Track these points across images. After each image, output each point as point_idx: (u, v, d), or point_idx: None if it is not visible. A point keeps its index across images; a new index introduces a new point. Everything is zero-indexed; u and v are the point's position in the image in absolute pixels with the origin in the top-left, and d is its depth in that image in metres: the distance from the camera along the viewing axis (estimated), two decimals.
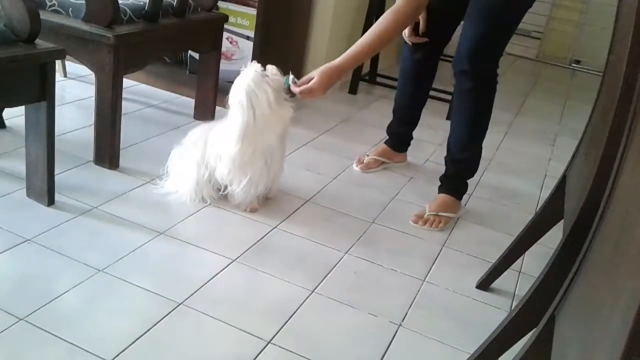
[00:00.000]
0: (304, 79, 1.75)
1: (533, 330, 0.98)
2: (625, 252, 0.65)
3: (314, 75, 1.73)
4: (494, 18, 1.81)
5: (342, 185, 2.13)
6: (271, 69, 1.74)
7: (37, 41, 1.51)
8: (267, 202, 1.91)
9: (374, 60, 3.47)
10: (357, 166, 2.26)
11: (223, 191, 1.81)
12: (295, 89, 1.73)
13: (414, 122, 2.30)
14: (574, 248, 1.01)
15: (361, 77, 3.30)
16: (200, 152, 1.80)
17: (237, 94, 1.70)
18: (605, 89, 1.35)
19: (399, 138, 2.32)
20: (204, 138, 1.80)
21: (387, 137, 2.34)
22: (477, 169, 2.04)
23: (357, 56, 1.77)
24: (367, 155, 2.30)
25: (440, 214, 1.93)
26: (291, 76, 1.73)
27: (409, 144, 2.36)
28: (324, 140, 2.51)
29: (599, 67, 4.43)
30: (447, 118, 2.97)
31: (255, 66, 1.72)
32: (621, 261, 0.65)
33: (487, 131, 1.99)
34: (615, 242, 0.70)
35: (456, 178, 2.02)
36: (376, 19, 3.17)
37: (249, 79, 1.69)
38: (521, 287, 1.67)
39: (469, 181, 2.05)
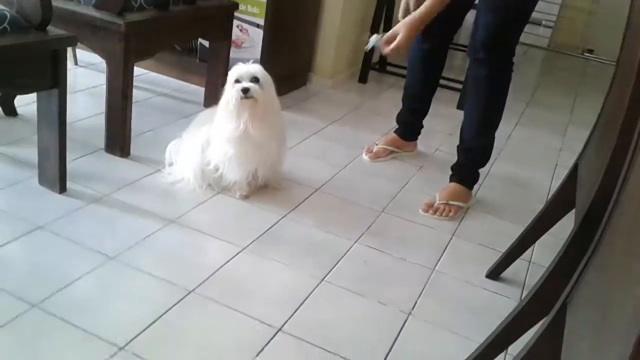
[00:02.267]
0: (389, 35, 1.79)
1: (544, 319, 0.98)
2: (638, 242, 0.65)
3: (399, 30, 1.77)
4: (510, 5, 1.79)
5: (352, 174, 2.13)
6: (237, 87, 1.70)
7: (49, 28, 1.52)
8: (276, 191, 1.91)
9: None
10: (366, 155, 2.25)
11: (214, 168, 1.82)
12: (386, 50, 1.79)
13: (424, 111, 2.28)
14: (585, 237, 1.00)
15: (371, 66, 3.28)
16: (204, 135, 1.81)
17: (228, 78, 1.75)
18: (618, 79, 1.34)
19: (409, 127, 2.30)
20: (208, 122, 1.82)
21: (397, 126, 2.33)
22: (489, 157, 2.02)
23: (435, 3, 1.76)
24: (377, 145, 2.29)
25: (450, 202, 1.92)
26: (379, 35, 1.80)
27: (419, 133, 2.34)
28: (333, 130, 2.51)
29: (611, 57, 4.38)
30: (458, 107, 2.96)
31: (242, 70, 1.72)
32: (635, 250, 0.64)
33: None
34: (629, 231, 0.70)
35: (468, 167, 2.01)
36: (387, 7, 3.20)
37: (229, 77, 1.73)
38: (531, 276, 1.67)
39: (479, 171, 2.04)
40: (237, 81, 1.71)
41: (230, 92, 1.71)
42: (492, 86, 1.88)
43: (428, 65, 2.17)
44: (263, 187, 1.89)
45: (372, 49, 1.93)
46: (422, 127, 2.33)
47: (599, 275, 0.78)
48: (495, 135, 2.00)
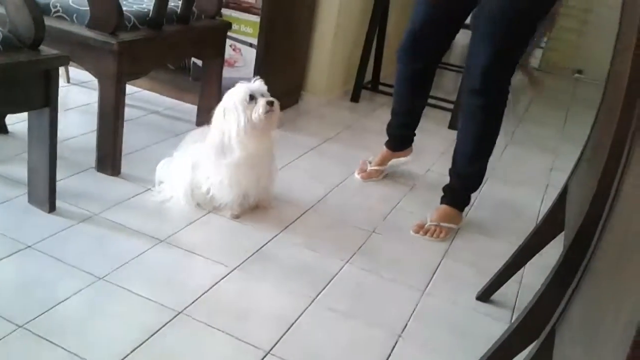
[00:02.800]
0: None
1: (533, 344, 0.98)
2: (625, 267, 0.65)
3: None
4: (508, 33, 1.72)
5: (343, 193, 2.13)
6: (262, 101, 1.70)
7: (42, 47, 1.52)
8: (267, 210, 1.91)
9: (376, 68, 3.48)
10: (358, 174, 2.24)
11: (205, 191, 1.81)
12: None
13: (414, 125, 2.26)
14: (574, 261, 1.01)
15: (363, 85, 3.30)
16: (194, 155, 1.81)
17: (221, 104, 1.74)
18: (607, 100, 1.35)
19: (399, 140, 2.28)
20: (199, 142, 1.82)
21: (387, 139, 2.29)
22: (481, 182, 2.01)
23: None
24: (370, 163, 2.27)
25: (441, 224, 1.92)
26: None
27: (412, 141, 2.32)
28: (325, 148, 2.51)
29: (601, 78, 4.43)
30: (450, 127, 2.98)
31: (255, 85, 1.72)
32: (622, 276, 0.65)
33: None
34: (617, 257, 0.70)
35: (460, 190, 2.00)
36: (380, 27, 3.23)
37: (233, 96, 1.72)
38: (522, 298, 1.67)
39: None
40: (252, 97, 1.70)
41: (253, 108, 1.69)
42: (488, 116, 1.87)
43: (416, 85, 2.13)
44: (254, 207, 1.89)
45: None
46: (415, 135, 2.30)
47: (586, 301, 0.78)
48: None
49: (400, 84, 2.16)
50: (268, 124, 1.72)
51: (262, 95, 1.71)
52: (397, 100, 2.21)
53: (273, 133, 1.79)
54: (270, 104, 1.69)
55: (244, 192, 1.81)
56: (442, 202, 2.02)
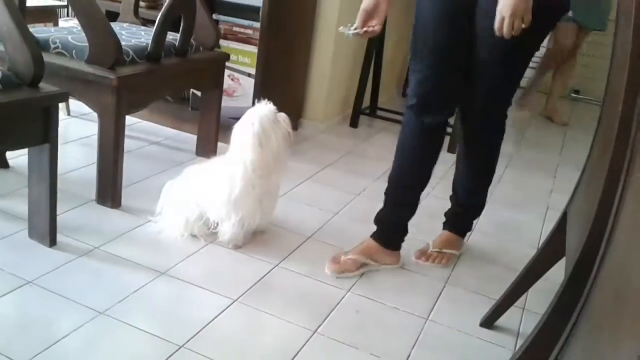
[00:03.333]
0: (360, 20, 1.59)
1: None
2: (625, 301, 0.65)
3: (371, 17, 1.59)
4: (506, 68, 1.64)
5: (344, 220, 2.13)
6: (283, 116, 1.75)
7: (41, 84, 1.54)
8: (268, 239, 1.91)
9: (374, 94, 3.50)
10: (329, 269, 1.76)
11: (214, 228, 1.82)
12: (364, 35, 1.62)
13: (412, 207, 1.82)
14: (576, 289, 1.00)
15: (362, 110, 3.32)
16: (194, 190, 1.81)
17: (247, 129, 1.70)
18: (604, 125, 1.36)
19: (392, 229, 1.82)
20: (199, 175, 1.83)
21: (374, 230, 1.85)
22: (482, 209, 1.99)
23: None
24: (345, 254, 1.80)
25: (444, 250, 1.91)
26: (351, 26, 1.61)
27: (402, 240, 1.85)
28: (325, 175, 2.52)
29: (598, 97, 4.45)
30: (449, 150, 2.98)
31: (270, 106, 1.74)
32: (621, 311, 0.64)
33: None
34: (615, 293, 0.70)
35: (461, 217, 1.98)
36: (377, 52, 3.26)
37: (263, 117, 1.70)
38: (525, 324, 1.65)
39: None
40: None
41: (279, 128, 1.73)
42: (487, 146, 1.84)
43: (426, 147, 1.75)
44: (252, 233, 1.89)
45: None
46: (407, 232, 1.85)
47: (588, 333, 0.78)
48: None
49: (407, 143, 1.76)
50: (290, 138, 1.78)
51: None
52: (397, 172, 1.80)
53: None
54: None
55: (256, 224, 1.83)
56: (444, 228, 2.00)
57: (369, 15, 1.59)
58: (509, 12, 1.41)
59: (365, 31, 1.60)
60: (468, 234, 2.05)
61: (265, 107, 1.73)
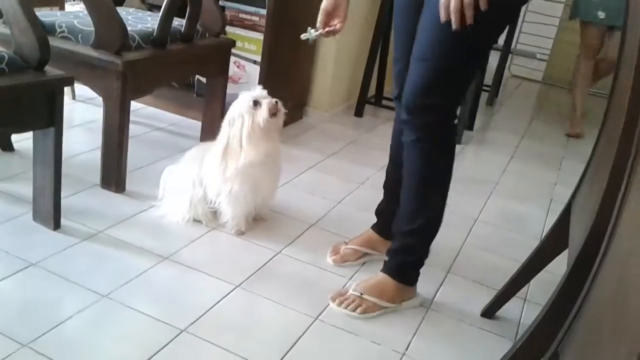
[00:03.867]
0: (321, 20, 1.56)
1: None
2: (627, 293, 0.65)
3: (332, 16, 1.56)
4: (439, 54, 1.36)
5: (348, 209, 2.13)
6: (265, 103, 1.73)
7: (47, 68, 1.54)
8: (271, 226, 1.91)
9: (380, 83, 3.49)
10: (330, 258, 1.77)
11: (212, 205, 1.83)
12: (326, 35, 1.58)
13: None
14: (578, 281, 1.01)
15: (367, 100, 3.31)
16: (196, 170, 1.83)
17: (227, 114, 1.77)
18: (610, 118, 1.35)
19: (390, 219, 1.68)
20: (200, 157, 1.84)
21: (375, 221, 1.83)
22: (428, 244, 1.58)
23: None
24: (345, 244, 1.81)
25: (365, 296, 1.55)
26: (312, 30, 1.58)
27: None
28: (329, 164, 2.52)
29: (605, 90, 4.43)
30: None
31: (257, 92, 1.74)
32: (623, 303, 0.64)
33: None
34: (618, 282, 0.70)
35: (401, 255, 1.59)
36: (383, 41, 3.25)
37: (236, 104, 1.75)
38: (526, 315, 1.66)
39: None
40: (256, 102, 1.73)
41: (257, 113, 1.72)
42: (423, 157, 1.47)
43: None
44: (253, 219, 1.89)
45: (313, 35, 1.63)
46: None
47: (589, 325, 0.78)
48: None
49: (396, 142, 1.67)
50: (275, 124, 1.76)
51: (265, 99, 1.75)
52: (391, 166, 1.75)
53: (278, 137, 1.82)
54: (274, 104, 1.74)
55: (255, 202, 1.83)
56: (382, 269, 1.63)
57: (330, 15, 1.56)
58: None
59: (328, 31, 1.57)
60: (470, 222, 2.05)
61: (244, 96, 1.75)
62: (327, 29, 1.57)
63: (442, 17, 1.25)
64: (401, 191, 1.55)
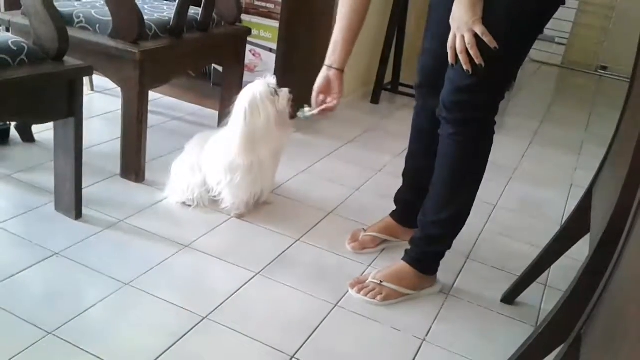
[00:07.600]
0: (315, 99, 1.60)
1: (559, 349, 0.97)
2: None
3: (326, 94, 1.59)
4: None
5: (365, 196, 2.13)
6: (284, 92, 1.75)
7: (65, 58, 1.55)
8: (289, 214, 1.92)
9: (396, 69, 3.47)
10: (349, 245, 1.78)
11: (213, 193, 1.85)
12: (319, 115, 1.61)
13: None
14: (600, 265, 0.99)
15: (383, 86, 3.29)
16: (196, 156, 1.85)
17: (243, 101, 1.74)
18: (632, 102, 1.33)
19: (410, 208, 1.72)
20: (201, 144, 1.86)
21: (394, 209, 1.84)
22: (453, 238, 1.57)
23: (348, 48, 1.66)
24: (364, 231, 1.82)
25: (384, 284, 1.56)
26: (306, 108, 1.62)
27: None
28: (346, 151, 2.52)
29: (626, 74, 4.36)
30: None
31: (269, 80, 1.75)
32: None
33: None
34: None
35: (424, 245, 1.58)
36: (399, 27, 3.22)
37: (257, 91, 1.74)
38: (547, 301, 1.65)
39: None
40: (275, 91, 1.74)
41: (278, 102, 1.73)
42: (459, 150, 1.45)
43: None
44: (255, 203, 1.90)
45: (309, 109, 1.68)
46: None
47: (613, 308, 0.77)
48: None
49: (417, 129, 1.71)
50: (288, 114, 1.77)
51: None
52: (412, 153, 1.76)
53: (291, 126, 1.85)
54: (289, 92, 1.76)
55: (256, 192, 1.85)
56: (403, 258, 1.63)
57: (324, 94, 1.57)
58: (454, 26, 1.29)
59: (323, 110, 1.58)
60: (489, 208, 2.04)
61: (262, 82, 1.74)
62: (321, 108, 1.59)
63: (450, 59, 1.30)
64: (432, 181, 1.53)
